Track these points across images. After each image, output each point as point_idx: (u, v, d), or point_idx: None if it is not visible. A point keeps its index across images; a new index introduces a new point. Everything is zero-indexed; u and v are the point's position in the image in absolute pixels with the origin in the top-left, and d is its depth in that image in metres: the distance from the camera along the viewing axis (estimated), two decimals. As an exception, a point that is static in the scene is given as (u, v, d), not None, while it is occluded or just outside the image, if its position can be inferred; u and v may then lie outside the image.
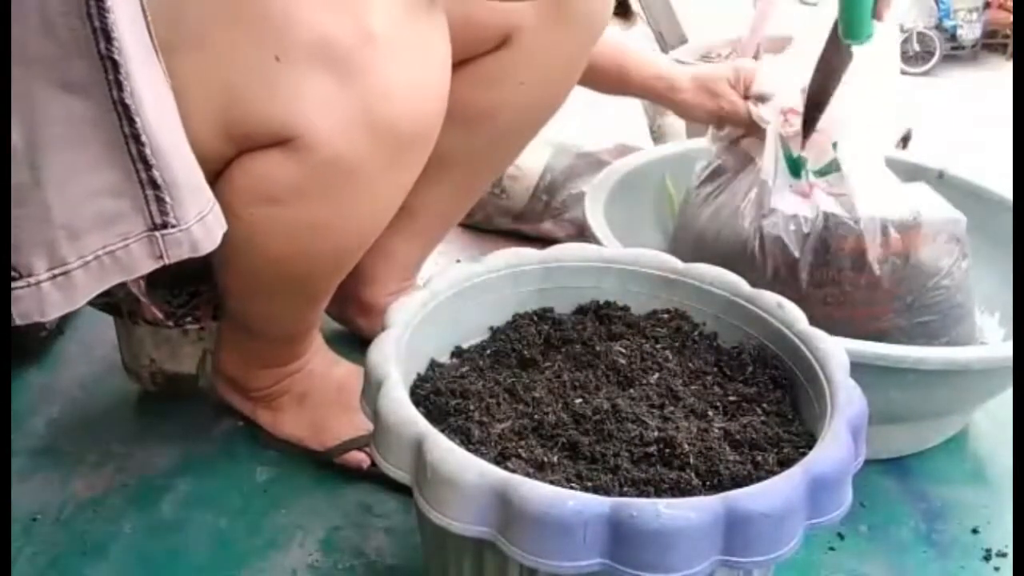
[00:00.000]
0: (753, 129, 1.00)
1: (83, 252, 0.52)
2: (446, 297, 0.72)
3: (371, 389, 0.62)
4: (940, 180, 1.10)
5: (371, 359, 0.63)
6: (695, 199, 1.04)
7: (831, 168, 0.93)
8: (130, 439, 0.92)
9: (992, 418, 1.01)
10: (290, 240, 0.72)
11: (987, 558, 0.82)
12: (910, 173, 1.02)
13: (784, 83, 0.97)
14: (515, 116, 0.92)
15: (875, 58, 0.90)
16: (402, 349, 0.66)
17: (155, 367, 0.92)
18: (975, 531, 0.85)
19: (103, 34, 0.49)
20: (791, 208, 0.92)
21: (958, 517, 0.87)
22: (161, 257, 0.55)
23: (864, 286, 0.91)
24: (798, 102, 0.95)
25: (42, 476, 0.87)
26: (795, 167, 0.95)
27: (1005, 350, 0.85)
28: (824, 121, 0.92)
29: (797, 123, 0.94)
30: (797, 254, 0.91)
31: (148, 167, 0.53)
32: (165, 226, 0.54)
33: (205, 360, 0.93)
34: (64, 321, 1.08)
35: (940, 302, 0.92)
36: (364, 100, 0.65)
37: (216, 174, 0.68)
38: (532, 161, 1.35)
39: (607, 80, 1.08)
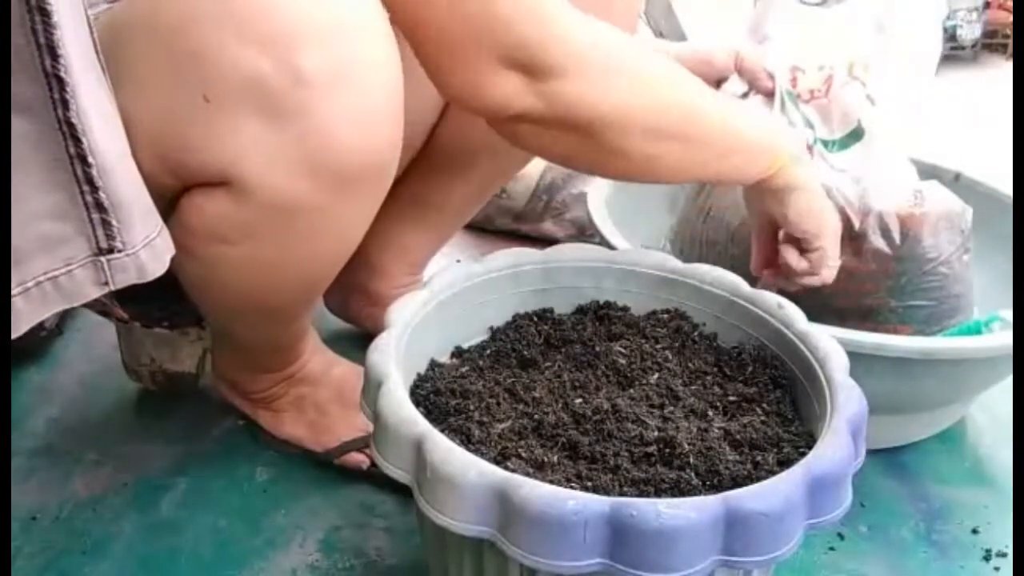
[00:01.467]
0: (758, 84, 0.99)
1: (24, 278, 0.49)
2: (446, 297, 0.72)
3: (371, 389, 0.62)
4: (956, 182, 1.10)
5: (371, 359, 0.63)
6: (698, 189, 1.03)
7: (851, 139, 0.92)
8: (130, 439, 0.92)
9: (992, 417, 1.01)
10: (248, 277, 0.71)
11: (987, 558, 0.82)
12: (927, 174, 1.02)
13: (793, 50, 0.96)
14: None
15: (915, 52, 0.91)
16: (402, 349, 0.65)
17: (155, 366, 0.92)
18: (975, 531, 0.85)
19: (48, 51, 0.47)
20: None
21: (958, 517, 0.87)
22: (106, 283, 0.52)
23: (857, 259, 0.91)
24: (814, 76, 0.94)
25: (41, 475, 0.87)
26: (807, 123, 0.95)
27: (989, 341, 0.85)
28: (851, 94, 0.92)
29: (806, 82, 0.94)
30: None
31: (94, 189, 0.50)
32: (111, 250, 0.52)
33: (205, 359, 0.93)
34: (63, 321, 1.08)
35: (935, 289, 0.92)
36: (300, 141, 0.62)
37: (166, 206, 0.67)
38: (532, 161, 1.35)
39: None
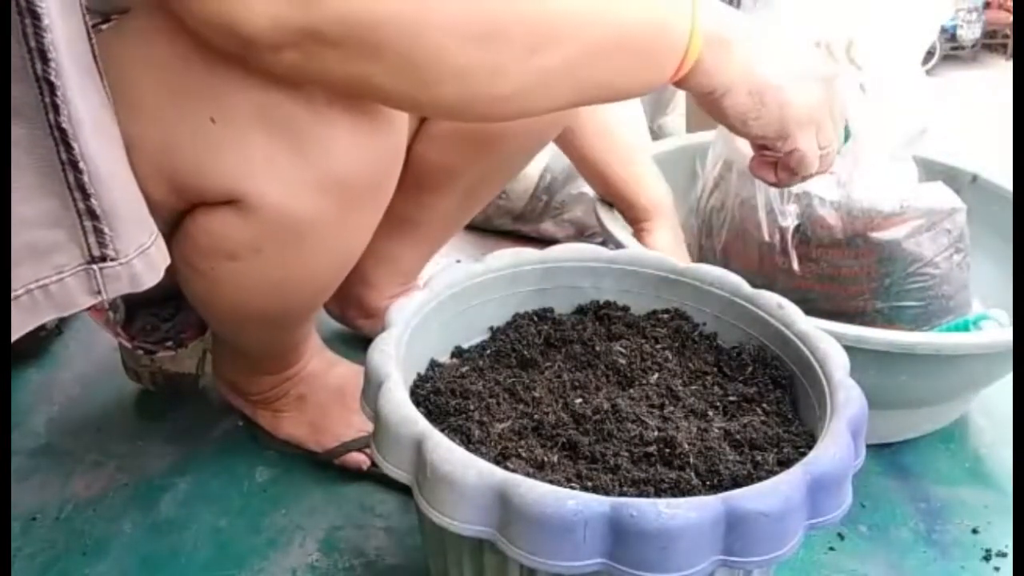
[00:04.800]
0: None
1: (14, 286, 0.49)
2: (446, 297, 0.72)
3: (371, 389, 0.62)
4: (974, 184, 1.10)
5: (371, 359, 0.63)
6: (705, 186, 1.03)
7: (842, 139, 0.91)
8: (130, 439, 0.92)
9: (992, 417, 1.01)
10: (252, 292, 0.71)
11: (987, 558, 0.82)
12: (944, 175, 1.02)
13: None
14: (524, 137, 0.91)
15: (899, 53, 0.90)
16: (402, 349, 0.65)
17: (155, 367, 0.92)
18: (975, 531, 0.85)
19: (39, 55, 0.46)
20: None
21: (958, 517, 0.87)
22: (99, 292, 0.52)
23: (841, 262, 0.91)
24: None
25: (42, 476, 0.87)
26: None
27: (969, 338, 0.85)
28: (846, 85, 0.89)
29: None
30: (786, 222, 0.91)
31: (86, 196, 0.49)
32: (103, 259, 0.51)
33: (205, 360, 0.93)
34: (64, 321, 1.08)
35: (922, 289, 0.92)
36: (308, 160, 0.62)
37: (172, 224, 0.67)
38: (532, 162, 1.35)
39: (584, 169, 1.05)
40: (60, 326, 1.07)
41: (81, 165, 0.49)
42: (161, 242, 0.56)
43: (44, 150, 0.48)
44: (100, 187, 0.50)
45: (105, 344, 1.03)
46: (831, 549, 0.82)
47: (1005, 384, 0.93)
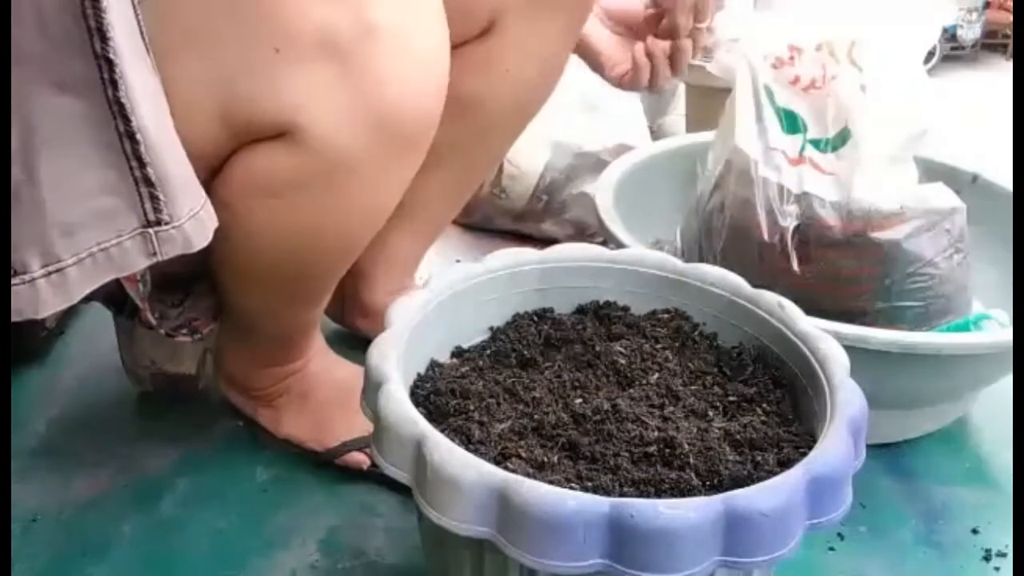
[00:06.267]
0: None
1: (77, 249, 0.53)
2: (446, 297, 0.72)
3: (371, 389, 0.62)
4: (974, 184, 1.10)
5: (371, 360, 0.63)
6: (705, 187, 1.03)
7: (840, 140, 0.91)
8: (130, 439, 0.92)
9: (992, 417, 1.01)
10: (287, 235, 0.72)
11: (987, 558, 0.82)
12: (944, 175, 1.02)
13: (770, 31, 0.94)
14: (503, 104, 0.91)
15: (899, 54, 0.90)
16: (402, 349, 0.65)
17: (155, 368, 0.92)
18: (975, 531, 0.85)
19: (99, 34, 0.49)
20: (780, 177, 0.91)
21: (958, 517, 0.87)
22: (155, 254, 0.56)
23: (841, 263, 0.91)
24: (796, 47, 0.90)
25: (42, 476, 0.87)
26: (791, 123, 0.92)
27: (978, 338, 0.85)
28: (837, 94, 0.90)
29: (804, 67, 0.91)
30: (785, 222, 0.91)
31: (142, 165, 0.53)
32: (159, 223, 0.55)
33: (205, 360, 0.93)
34: (64, 321, 1.08)
35: (922, 290, 0.92)
36: (365, 92, 0.65)
37: (213, 171, 0.68)
38: (532, 161, 1.35)
39: None
40: (61, 326, 1.07)
41: (138, 136, 0.53)
42: (209, 206, 0.60)
43: (103, 123, 0.52)
44: (154, 156, 0.54)
45: (105, 344, 1.03)
46: (831, 549, 0.82)
47: (1005, 384, 0.93)
